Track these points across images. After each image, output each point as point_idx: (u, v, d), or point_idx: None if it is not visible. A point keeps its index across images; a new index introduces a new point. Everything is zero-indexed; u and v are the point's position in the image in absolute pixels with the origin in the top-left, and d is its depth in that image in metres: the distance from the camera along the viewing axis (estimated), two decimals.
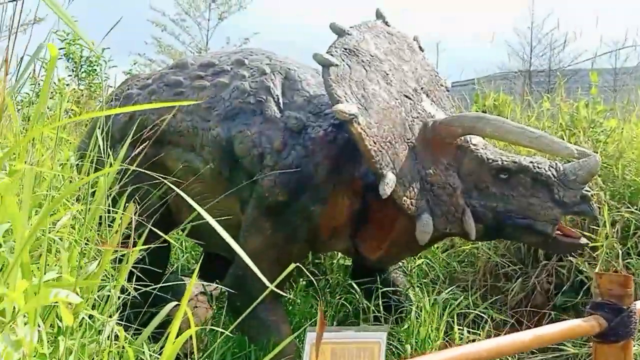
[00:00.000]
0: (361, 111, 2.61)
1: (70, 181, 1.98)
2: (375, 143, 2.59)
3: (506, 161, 2.79)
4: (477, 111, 5.30)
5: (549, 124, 4.40)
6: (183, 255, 4.67)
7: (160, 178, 3.05)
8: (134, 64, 10.49)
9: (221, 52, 3.73)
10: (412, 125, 2.82)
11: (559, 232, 2.75)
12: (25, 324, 0.92)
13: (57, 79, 6.58)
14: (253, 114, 3.08)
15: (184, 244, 4.72)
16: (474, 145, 2.85)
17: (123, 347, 1.49)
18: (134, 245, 1.76)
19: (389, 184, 2.57)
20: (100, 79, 7.05)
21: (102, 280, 1.68)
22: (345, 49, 2.83)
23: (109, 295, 1.60)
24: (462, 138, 2.84)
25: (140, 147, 2.49)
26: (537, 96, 6.79)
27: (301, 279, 3.81)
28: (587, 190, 2.72)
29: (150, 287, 2.20)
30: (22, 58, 2.07)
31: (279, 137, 2.97)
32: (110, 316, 1.78)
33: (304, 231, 2.97)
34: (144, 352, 1.78)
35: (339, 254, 3.74)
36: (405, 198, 2.66)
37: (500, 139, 2.84)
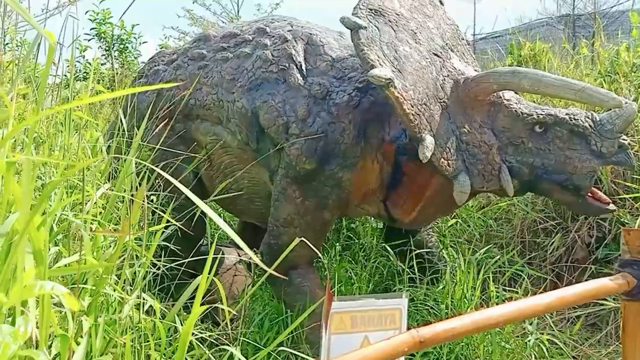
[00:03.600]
0: (395, 74, 2.53)
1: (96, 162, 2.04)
2: (412, 106, 2.53)
3: (541, 114, 2.71)
4: (511, 63, 5.12)
5: (588, 71, 4.21)
6: None
7: (189, 154, 3.13)
8: (166, 37, 10.55)
9: (243, 22, 3.71)
10: (443, 84, 2.76)
11: (589, 194, 2.70)
12: (22, 313, 0.97)
13: (92, 59, 6.71)
14: (276, 82, 3.06)
15: (222, 214, 4.82)
16: (507, 100, 2.77)
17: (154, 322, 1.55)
18: (160, 222, 1.81)
19: (429, 148, 2.53)
20: (132, 56, 7.15)
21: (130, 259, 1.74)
22: (370, 9, 2.76)
23: (137, 272, 1.66)
24: (495, 94, 2.76)
25: (163, 124, 2.52)
26: (579, 42, 6.48)
27: (337, 244, 3.84)
28: (624, 139, 2.66)
29: (182, 260, 2.26)
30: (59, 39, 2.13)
31: (303, 105, 2.95)
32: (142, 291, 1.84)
33: (334, 198, 2.97)
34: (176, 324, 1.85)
35: (372, 217, 3.74)
36: (442, 160, 2.62)
37: (539, 94, 2.75)
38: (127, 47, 7.40)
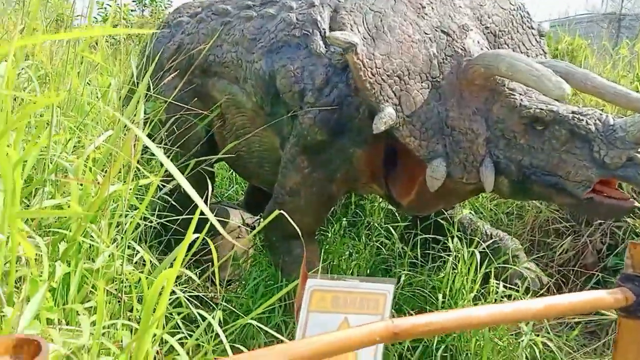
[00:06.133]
0: (366, 41, 2.49)
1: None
2: (374, 75, 2.46)
3: (540, 109, 2.43)
4: None
5: (624, 74, 4.03)
6: (232, 187, 4.76)
7: (202, 111, 3.10)
8: None
9: None
10: (442, 63, 2.61)
11: (600, 192, 2.36)
12: None
13: (122, 4, 6.65)
14: (298, 47, 2.98)
15: (233, 175, 4.80)
16: (510, 89, 2.55)
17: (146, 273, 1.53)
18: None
19: (382, 119, 2.44)
20: (163, 5, 7.07)
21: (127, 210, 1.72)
22: None
23: (124, 224, 1.63)
24: (498, 81, 2.56)
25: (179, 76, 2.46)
26: (621, 42, 6.23)
27: (343, 219, 3.79)
28: (638, 152, 2.25)
29: (179, 217, 2.24)
30: None
31: (321, 74, 2.86)
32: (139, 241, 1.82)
33: (343, 172, 2.91)
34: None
35: (380, 198, 3.67)
36: (412, 138, 2.50)
37: (514, 79, 2.48)
38: None
